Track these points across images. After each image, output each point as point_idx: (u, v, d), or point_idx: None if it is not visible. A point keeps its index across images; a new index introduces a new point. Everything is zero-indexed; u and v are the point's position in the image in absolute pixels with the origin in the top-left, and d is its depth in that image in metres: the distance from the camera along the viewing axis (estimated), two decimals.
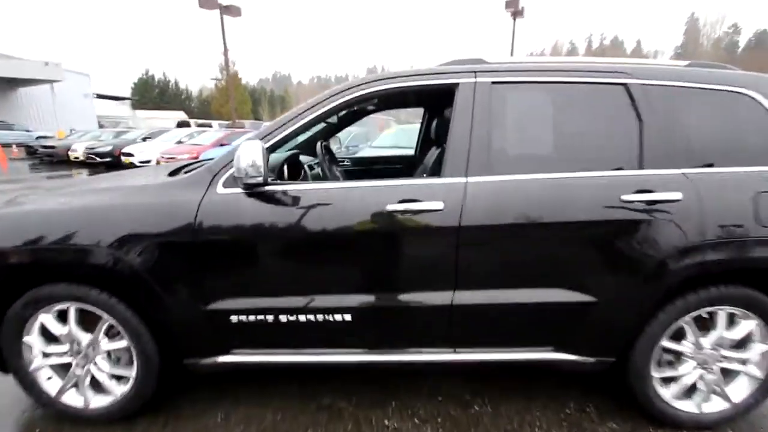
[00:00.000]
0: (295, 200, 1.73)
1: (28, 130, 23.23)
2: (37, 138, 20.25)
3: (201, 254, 1.72)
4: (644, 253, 1.70)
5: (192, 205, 1.71)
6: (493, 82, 1.78)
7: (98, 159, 13.65)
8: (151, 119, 36.32)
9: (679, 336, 1.86)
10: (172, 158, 11.16)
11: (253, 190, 1.71)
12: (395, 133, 8.79)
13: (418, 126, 9.11)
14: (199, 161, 2.38)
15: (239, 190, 1.72)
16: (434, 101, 3.13)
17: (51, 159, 15.79)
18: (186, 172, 2.01)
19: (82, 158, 14.14)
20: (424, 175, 3.08)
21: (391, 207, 1.69)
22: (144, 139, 14.79)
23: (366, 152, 8.05)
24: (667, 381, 1.93)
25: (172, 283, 1.75)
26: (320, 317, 1.78)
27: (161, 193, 1.76)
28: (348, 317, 1.78)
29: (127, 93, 51.78)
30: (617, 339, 1.84)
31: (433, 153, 3.01)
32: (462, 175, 1.72)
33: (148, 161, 12.10)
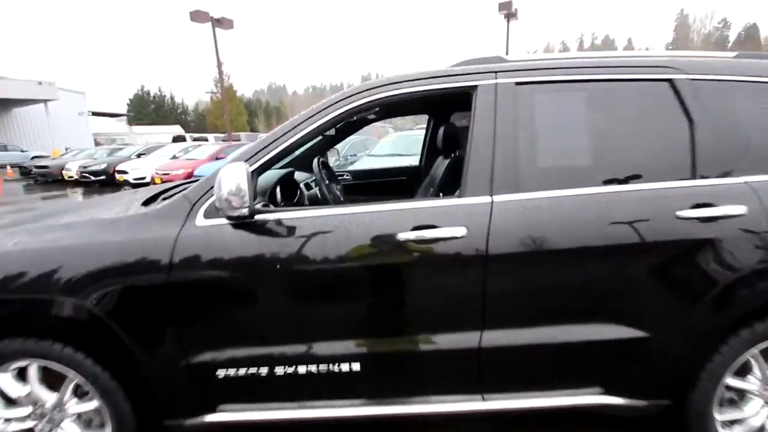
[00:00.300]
0: (290, 231, 1.47)
1: (23, 150, 23.10)
2: (33, 158, 20.11)
3: (179, 299, 1.45)
4: (704, 279, 1.44)
5: (167, 241, 1.44)
6: (517, 83, 1.52)
7: (92, 177, 13.37)
8: (147, 135, 36.18)
9: (744, 371, 1.59)
10: (166, 174, 10.93)
11: (238, 222, 1.45)
12: (393, 141, 8.62)
13: (416, 133, 9.03)
14: (179, 184, 2.10)
15: (223, 220, 1.46)
16: (442, 107, 2.88)
17: (45, 179, 15.58)
18: (164, 199, 1.74)
19: (76, 177, 13.90)
20: (431, 189, 2.84)
21: (403, 236, 1.43)
22: (138, 156, 14.54)
23: (365, 162, 7.84)
24: (730, 423, 1.65)
25: (147, 335, 1.48)
26: (324, 367, 1.50)
27: (131, 229, 1.49)
28: (356, 366, 1.50)
29: (123, 109, 51.74)
30: (674, 379, 1.57)
31: (440, 164, 2.77)
32: (486, 193, 1.46)
33: (143, 178, 11.86)
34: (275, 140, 1.53)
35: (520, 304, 1.48)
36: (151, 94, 57.18)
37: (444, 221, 1.43)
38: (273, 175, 2.08)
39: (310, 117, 1.55)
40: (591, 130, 1.53)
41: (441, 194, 2.56)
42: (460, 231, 1.41)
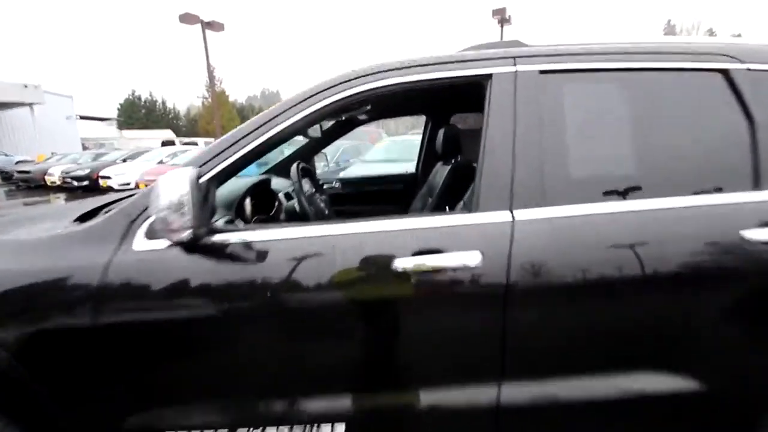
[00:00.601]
0: (258, 256, 1.15)
1: (7, 155, 22.49)
2: (17, 162, 19.59)
3: (111, 346, 1.13)
4: None
5: (94, 271, 1.11)
6: (542, 71, 1.23)
7: (75, 183, 12.95)
8: (138, 139, 35.62)
9: None
10: (152, 180, 10.52)
11: (188, 245, 1.12)
12: (387, 146, 8.33)
13: (410, 138, 8.74)
14: (129, 196, 1.72)
15: (168, 242, 1.14)
16: (442, 107, 2.58)
17: (28, 184, 15.10)
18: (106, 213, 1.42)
19: (58, 183, 13.46)
20: (429, 198, 2.55)
21: (401, 264, 1.12)
22: (124, 161, 14.11)
23: (358, 168, 7.53)
24: None
25: (70, 391, 1.15)
26: (299, 431, 1.18)
27: (51, 254, 1.16)
28: (340, 429, 1.18)
29: (114, 114, 51.03)
30: None
31: (439, 170, 2.48)
32: (504, 207, 1.16)
33: (128, 184, 11.45)
34: (239, 140, 1.21)
35: (549, 350, 1.17)
36: (143, 99, 56.41)
37: (452, 244, 1.12)
38: (243, 183, 1.75)
39: (284, 111, 1.24)
40: (632, 129, 1.24)
41: (440, 204, 2.28)
42: (473, 257, 1.10)
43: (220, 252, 1.14)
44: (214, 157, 1.19)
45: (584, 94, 1.24)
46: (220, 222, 1.30)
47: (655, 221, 1.16)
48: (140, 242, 1.15)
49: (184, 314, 1.13)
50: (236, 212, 1.53)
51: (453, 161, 2.30)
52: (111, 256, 1.13)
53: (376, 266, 1.12)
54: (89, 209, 1.47)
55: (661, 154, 1.22)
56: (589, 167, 1.22)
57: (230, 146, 1.20)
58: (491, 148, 1.19)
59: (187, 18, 15.39)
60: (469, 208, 1.21)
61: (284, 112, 1.23)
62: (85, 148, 27.12)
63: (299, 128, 1.28)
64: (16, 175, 15.72)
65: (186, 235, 1.01)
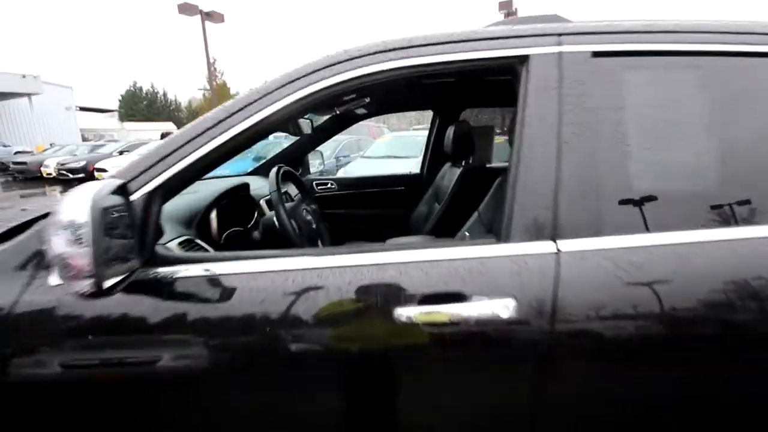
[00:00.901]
0: (218, 296, 0.86)
1: (5, 145, 22.32)
2: (16, 153, 19.45)
3: (16, 412, 0.85)
4: None
5: None
6: (595, 53, 0.93)
7: (71, 175, 12.80)
8: (139, 131, 35.51)
9: None
10: None
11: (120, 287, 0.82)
12: (389, 142, 8.09)
13: (413, 133, 8.51)
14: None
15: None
16: (452, 100, 2.27)
17: (24, 176, 14.92)
18: None
19: (54, 174, 13.30)
20: (435, 203, 2.26)
21: (405, 312, 0.82)
22: (121, 153, 13.89)
23: (357, 165, 7.27)
24: None
25: None
26: None
27: None
28: None
29: (116, 105, 50.88)
30: None
31: (447, 172, 2.20)
32: (545, 236, 0.86)
33: None
34: (192, 140, 0.90)
35: (600, 425, 0.88)
36: (144, 90, 56.05)
37: (475, 287, 0.83)
38: (212, 190, 1.44)
39: (253, 102, 0.93)
40: (719, 131, 0.94)
41: (448, 212, 1.99)
42: (504, 306, 0.81)
43: (163, 290, 0.85)
44: (157, 163, 0.88)
45: (653, 83, 0.94)
46: (172, 244, 1.01)
47: (754, 255, 0.86)
48: (57, 277, 0.86)
49: (117, 373, 0.84)
50: (198, 229, 1.23)
51: (464, 163, 2.02)
52: (18, 293, 0.84)
53: (372, 313, 0.83)
54: (15, 225, 1.17)
55: (761, 164, 0.92)
56: (662, 181, 0.92)
57: (179, 148, 0.90)
58: (528, 155, 0.89)
59: (185, 8, 15.02)
60: (492, 230, 0.92)
61: (254, 103, 0.92)
62: (85, 139, 26.98)
63: (276, 123, 0.98)
64: (12, 166, 15.53)
65: (86, 285, 0.71)
